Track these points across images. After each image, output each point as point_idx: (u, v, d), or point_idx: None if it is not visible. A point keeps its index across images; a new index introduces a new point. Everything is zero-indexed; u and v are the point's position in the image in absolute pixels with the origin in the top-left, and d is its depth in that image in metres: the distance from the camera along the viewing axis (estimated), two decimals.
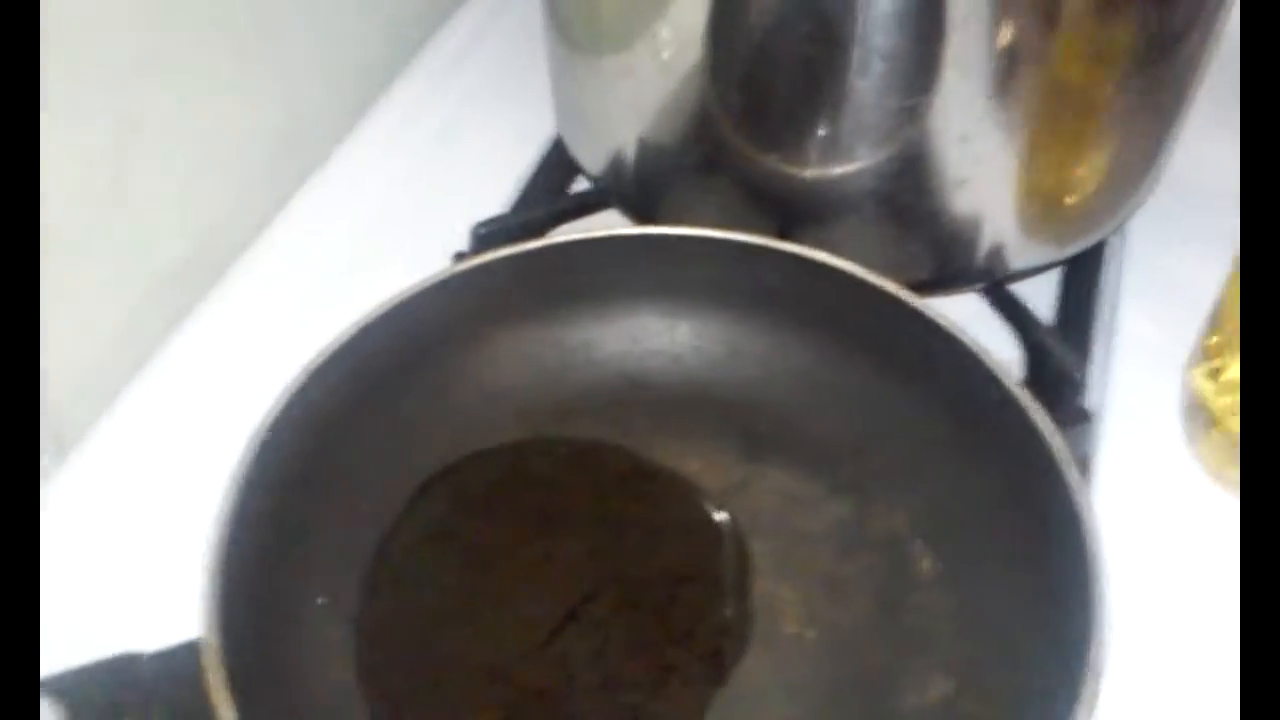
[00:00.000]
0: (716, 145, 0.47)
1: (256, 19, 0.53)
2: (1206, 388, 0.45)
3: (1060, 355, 0.47)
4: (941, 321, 0.41)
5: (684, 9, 0.43)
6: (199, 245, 0.53)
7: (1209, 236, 0.48)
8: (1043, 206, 0.47)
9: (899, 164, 0.44)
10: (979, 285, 0.49)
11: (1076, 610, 0.33)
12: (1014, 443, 0.38)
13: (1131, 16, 0.41)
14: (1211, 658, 0.39)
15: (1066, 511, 0.35)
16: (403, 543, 0.40)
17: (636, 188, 0.51)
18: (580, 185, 0.57)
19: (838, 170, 0.45)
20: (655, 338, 0.46)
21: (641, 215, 0.52)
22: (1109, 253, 0.52)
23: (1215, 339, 0.45)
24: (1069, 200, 0.48)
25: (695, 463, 0.43)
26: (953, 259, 0.48)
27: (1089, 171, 0.47)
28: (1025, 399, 0.38)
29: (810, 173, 0.45)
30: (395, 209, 0.57)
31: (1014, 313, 0.49)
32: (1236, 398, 0.43)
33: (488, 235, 0.52)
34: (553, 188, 0.57)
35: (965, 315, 0.45)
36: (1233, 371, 0.43)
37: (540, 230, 0.53)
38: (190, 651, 0.33)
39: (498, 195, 0.56)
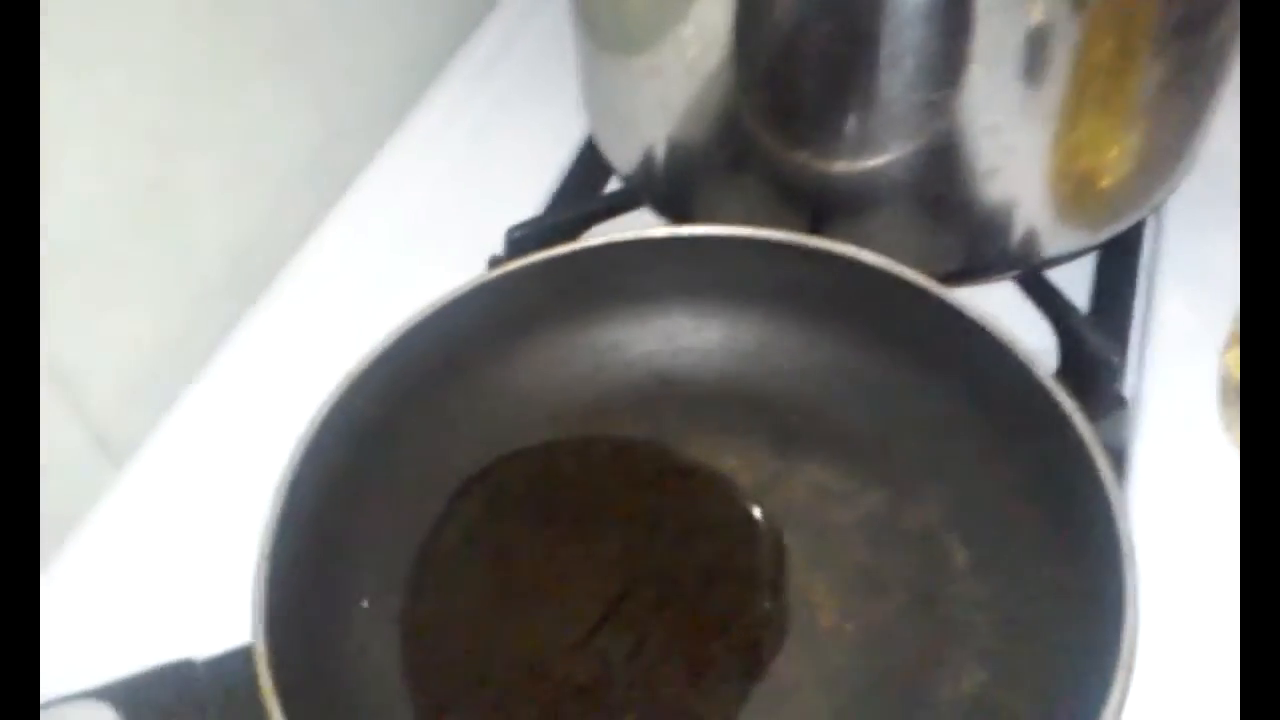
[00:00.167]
0: (745, 143, 0.47)
1: (291, 32, 0.54)
2: None
3: (1096, 341, 0.46)
4: (971, 312, 0.41)
5: (709, 8, 0.43)
6: (241, 257, 0.54)
7: None
8: (1075, 192, 0.47)
9: (928, 156, 0.44)
10: (1013, 273, 0.49)
11: (1109, 602, 0.33)
12: (1045, 433, 0.38)
13: None
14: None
15: (1098, 503, 0.35)
16: (443, 544, 0.41)
17: (668, 186, 0.52)
18: (612, 185, 0.57)
19: (867, 165, 0.45)
20: (686, 336, 0.46)
21: (673, 214, 0.52)
22: (1144, 237, 0.52)
23: None
24: (1102, 185, 0.47)
25: (728, 459, 0.43)
26: (986, 248, 0.48)
27: (1122, 156, 0.47)
28: (1056, 389, 0.38)
29: (840, 168, 0.45)
30: (432, 213, 0.58)
31: (1048, 299, 0.49)
32: None
33: (522, 238, 0.53)
34: (585, 189, 0.57)
35: (1000, 304, 0.45)
36: None
37: (573, 231, 0.53)
38: (242, 657, 0.34)
39: (533, 197, 0.57)
